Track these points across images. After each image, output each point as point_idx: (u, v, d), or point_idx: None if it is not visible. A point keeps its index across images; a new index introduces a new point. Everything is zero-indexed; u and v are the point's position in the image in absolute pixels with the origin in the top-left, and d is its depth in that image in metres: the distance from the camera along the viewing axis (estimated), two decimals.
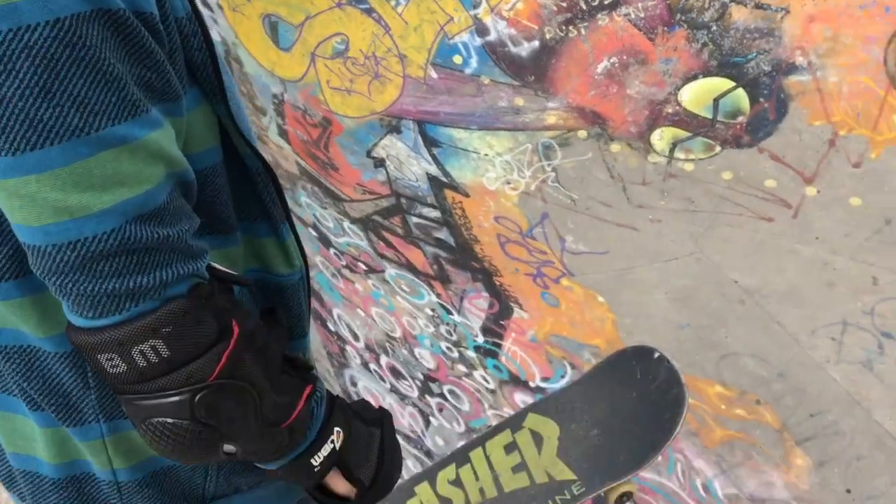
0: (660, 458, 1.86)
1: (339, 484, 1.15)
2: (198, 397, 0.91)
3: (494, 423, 3.88)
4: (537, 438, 1.99)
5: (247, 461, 1.06)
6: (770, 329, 4.89)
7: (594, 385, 2.05)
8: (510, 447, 1.99)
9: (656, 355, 1.96)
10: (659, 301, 5.13)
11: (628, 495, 1.85)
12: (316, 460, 1.08)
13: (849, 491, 3.89)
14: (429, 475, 2.09)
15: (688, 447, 4.10)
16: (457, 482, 2.00)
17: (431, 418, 3.69)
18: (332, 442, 1.11)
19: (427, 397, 3.79)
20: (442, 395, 3.87)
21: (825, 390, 4.39)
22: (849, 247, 4.22)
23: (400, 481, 2.14)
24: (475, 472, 2.00)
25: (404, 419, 3.60)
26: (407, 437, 3.47)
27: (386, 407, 3.60)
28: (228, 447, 0.97)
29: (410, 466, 3.26)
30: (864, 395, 4.34)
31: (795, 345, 4.75)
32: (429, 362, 4.11)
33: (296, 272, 1.19)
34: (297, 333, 1.28)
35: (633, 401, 1.93)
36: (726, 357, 4.69)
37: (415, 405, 3.72)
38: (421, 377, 3.97)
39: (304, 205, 4.37)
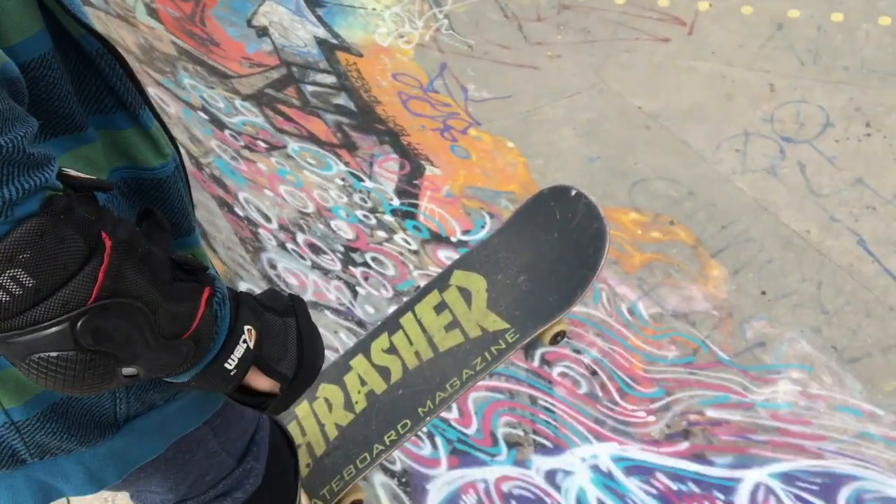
0: (586, 292, 1.87)
1: (260, 381, 1.07)
2: (79, 324, 0.80)
3: (422, 283, 3.89)
4: (465, 294, 1.98)
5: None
6: (677, 150, 4.96)
7: (515, 232, 2.02)
8: (440, 307, 1.98)
9: (573, 193, 1.93)
10: (567, 138, 5.13)
11: (562, 334, 1.87)
12: (230, 364, 0.99)
13: (764, 293, 4.11)
14: (362, 347, 2.06)
15: (610, 276, 4.22)
16: (391, 349, 1.99)
17: (358, 288, 3.67)
18: (245, 342, 1.03)
19: (351, 268, 3.75)
20: (365, 264, 3.83)
21: (734, 201, 4.55)
22: (744, 57, 4.23)
23: (335, 357, 2.12)
24: (408, 337, 1.98)
25: (331, 293, 3.56)
26: (336, 311, 3.45)
27: (310, 284, 3.55)
28: (128, 370, 0.88)
29: (344, 339, 3.25)
30: (770, 201, 4.51)
31: (702, 161, 4.85)
32: (347, 233, 4.05)
33: (168, 162, 1.05)
34: (183, 230, 1.12)
35: (555, 241, 1.92)
36: (637, 183, 4.78)
37: (339, 278, 3.68)
38: (342, 249, 3.91)
39: (189, 87, 4.10)
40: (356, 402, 1.95)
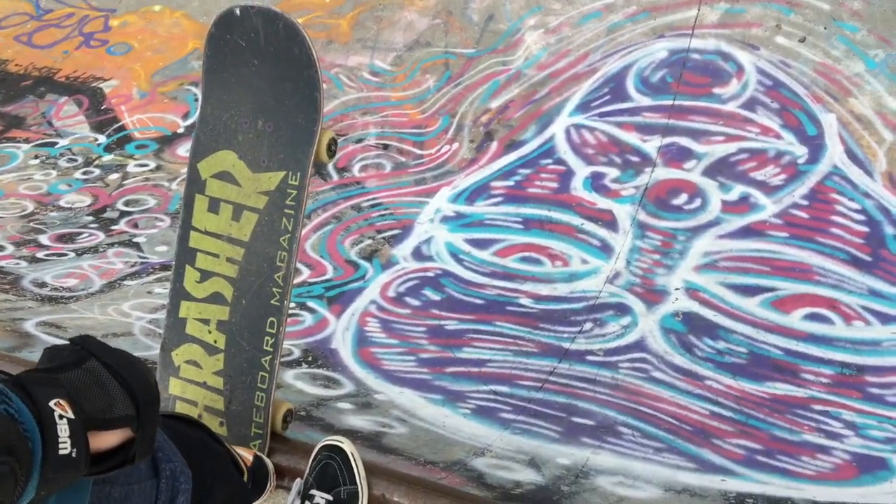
0: (323, 88, 1.75)
1: (107, 439, 0.93)
2: None
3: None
4: (225, 176, 1.81)
5: None
6: None
7: (218, 88, 1.82)
8: (212, 205, 1.81)
9: (238, 12, 1.73)
10: None
11: (333, 141, 1.77)
12: (64, 448, 0.86)
13: None
14: (179, 294, 1.90)
15: (334, 57, 4.06)
16: (204, 275, 1.83)
17: (136, 240, 3.37)
18: (61, 416, 0.88)
19: (113, 228, 3.42)
20: (123, 214, 3.49)
21: None
22: None
23: (164, 319, 1.95)
24: (209, 253, 1.83)
25: (116, 264, 3.26)
26: (135, 274, 3.17)
27: (90, 271, 3.22)
28: None
29: (161, 291, 3.02)
30: None
31: None
32: (84, 200, 3.64)
33: None
34: None
35: (259, 68, 1.74)
36: None
37: (111, 245, 3.35)
38: (91, 219, 3.53)
39: None
40: (215, 342, 1.83)
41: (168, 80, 4.16)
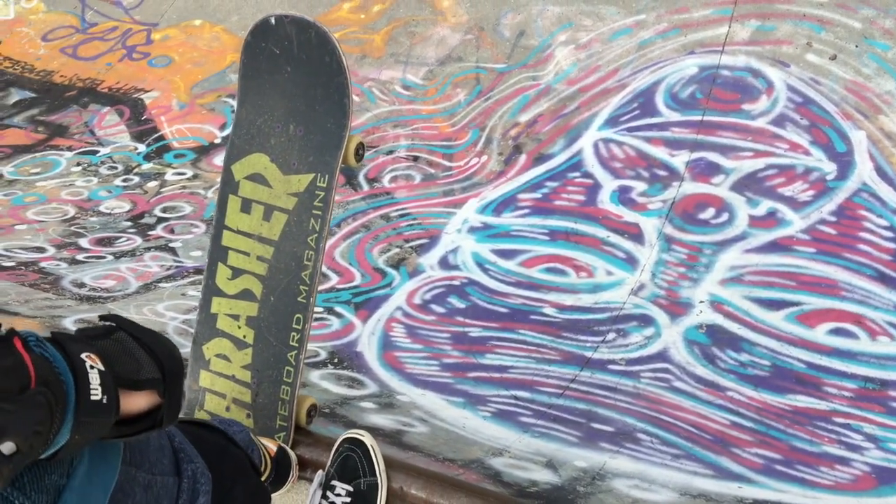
0: (355, 96, 1.82)
1: (136, 401, 0.97)
2: None
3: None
4: (256, 178, 1.89)
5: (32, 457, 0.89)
6: None
7: (254, 94, 1.90)
8: (245, 206, 1.88)
9: (273, 21, 1.81)
10: None
11: (361, 145, 1.83)
12: (96, 394, 0.89)
13: None
14: (211, 290, 1.97)
15: (368, 70, 4.15)
16: (235, 272, 1.91)
17: (172, 245, 3.47)
18: (93, 367, 0.95)
19: (151, 233, 3.53)
20: (161, 220, 3.61)
21: None
22: None
23: (196, 316, 2.02)
24: (241, 252, 1.90)
25: (152, 267, 3.36)
26: (170, 277, 3.27)
27: (127, 274, 3.33)
28: (6, 445, 0.80)
29: (195, 293, 3.11)
30: None
31: None
32: (123, 206, 3.76)
33: None
34: None
35: (292, 75, 1.82)
36: None
37: (148, 249, 3.46)
38: (129, 223, 3.65)
39: None
40: (244, 337, 1.90)
41: (206, 91, 4.28)
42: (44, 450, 0.86)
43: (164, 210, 3.64)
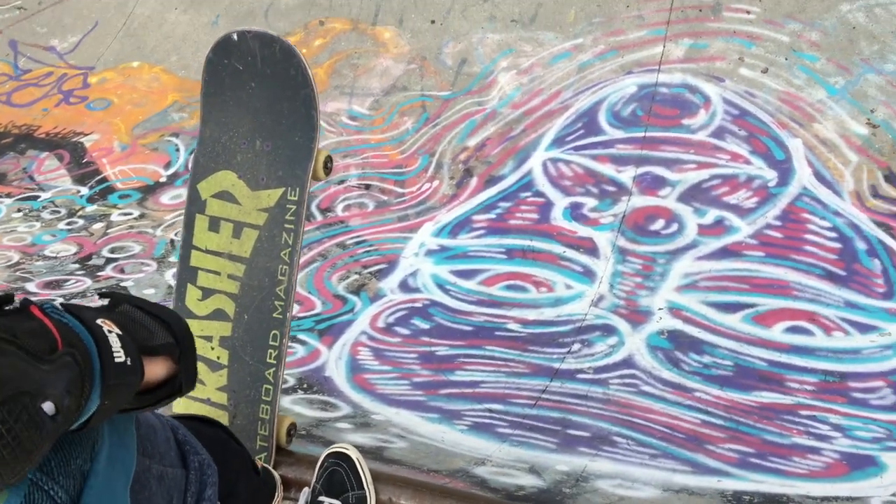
0: (319, 106, 1.82)
1: (155, 368, 0.97)
2: None
3: (171, 237, 3.63)
4: (224, 195, 1.86)
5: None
6: None
7: (218, 111, 1.88)
8: (213, 224, 1.85)
9: (235, 38, 1.80)
10: (176, 19, 4.76)
11: (329, 158, 1.83)
12: (119, 356, 0.88)
13: (433, 21, 4.24)
14: (181, 312, 1.91)
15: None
16: (206, 293, 1.87)
17: (123, 284, 3.38)
18: (110, 332, 0.93)
19: (99, 274, 3.42)
20: (109, 261, 3.51)
21: None
22: None
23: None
24: (211, 271, 1.86)
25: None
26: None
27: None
28: (47, 406, 0.76)
29: None
30: None
31: None
32: (69, 249, 3.65)
33: None
34: None
35: (257, 90, 1.81)
36: (269, 8, 4.59)
37: (97, 290, 3.36)
38: (76, 266, 3.54)
39: None
40: (218, 358, 1.85)
41: (149, 132, 4.22)
42: (76, 416, 0.84)
43: (113, 251, 3.54)
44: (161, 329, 1.00)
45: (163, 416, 1.17)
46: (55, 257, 3.56)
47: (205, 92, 1.87)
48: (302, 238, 1.79)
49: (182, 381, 1.02)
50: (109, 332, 0.90)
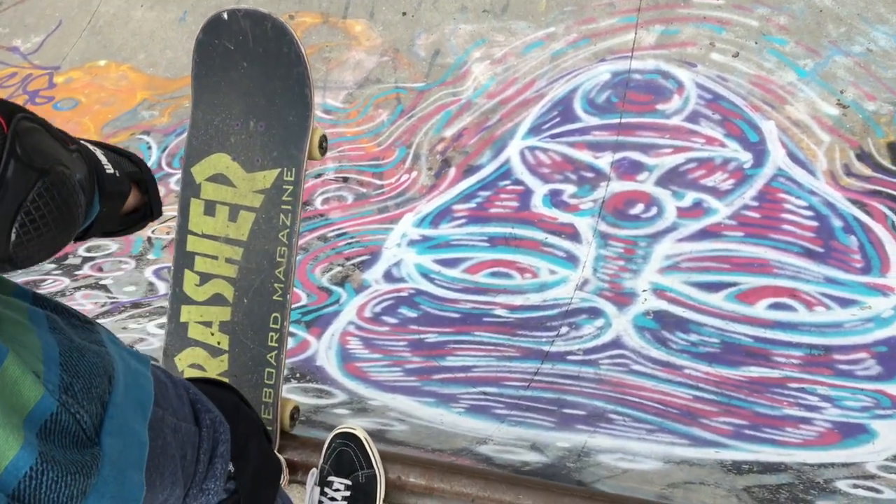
0: (313, 90, 1.80)
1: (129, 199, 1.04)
2: (18, 150, 0.74)
3: (148, 234, 3.57)
4: (219, 178, 1.83)
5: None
6: None
7: (210, 93, 1.85)
8: (208, 208, 1.82)
9: (225, 17, 1.78)
10: (142, 16, 4.69)
11: (324, 138, 1.81)
12: (109, 168, 0.94)
13: (404, 13, 4.23)
14: (179, 299, 1.88)
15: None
16: (204, 277, 1.83)
17: (102, 282, 3.31)
18: (94, 149, 0.97)
19: (77, 273, 3.35)
20: (88, 259, 3.43)
21: None
22: None
23: (164, 334, 1.93)
24: (208, 255, 1.83)
25: (85, 306, 3.19)
26: (107, 313, 3.11)
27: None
28: (77, 175, 0.83)
29: (133, 326, 2.96)
30: None
31: None
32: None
33: None
34: None
35: (250, 69, 1.79)
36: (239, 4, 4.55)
37: (77, 288, 3.28)
38: (53, 265, 3.46)
39: None
40: (219, 343, 1.82)
41: (119, 130, 4.15)
42: (87, 214, 0.90)
43: (89, 249, 3.46)
44: (122, 160, 1.04)
45: (174, 375, 1.17)
46: None
47: (195, 74, 1.84)
48: (300, 219, 1.77)
49: (151, 205, 1.09)
50: (94, 149, 0.95)
